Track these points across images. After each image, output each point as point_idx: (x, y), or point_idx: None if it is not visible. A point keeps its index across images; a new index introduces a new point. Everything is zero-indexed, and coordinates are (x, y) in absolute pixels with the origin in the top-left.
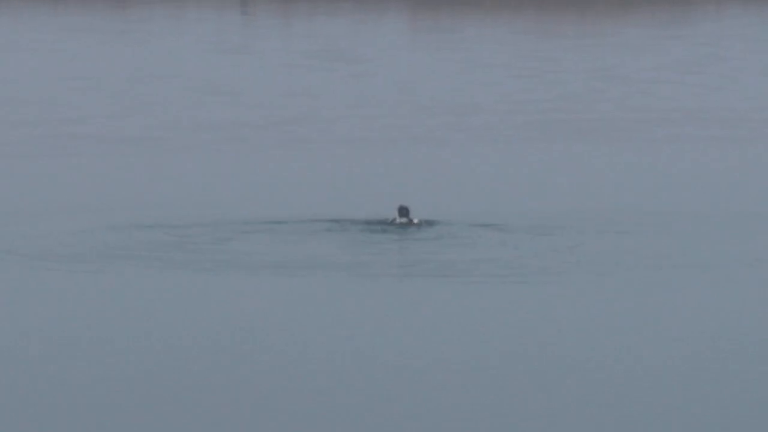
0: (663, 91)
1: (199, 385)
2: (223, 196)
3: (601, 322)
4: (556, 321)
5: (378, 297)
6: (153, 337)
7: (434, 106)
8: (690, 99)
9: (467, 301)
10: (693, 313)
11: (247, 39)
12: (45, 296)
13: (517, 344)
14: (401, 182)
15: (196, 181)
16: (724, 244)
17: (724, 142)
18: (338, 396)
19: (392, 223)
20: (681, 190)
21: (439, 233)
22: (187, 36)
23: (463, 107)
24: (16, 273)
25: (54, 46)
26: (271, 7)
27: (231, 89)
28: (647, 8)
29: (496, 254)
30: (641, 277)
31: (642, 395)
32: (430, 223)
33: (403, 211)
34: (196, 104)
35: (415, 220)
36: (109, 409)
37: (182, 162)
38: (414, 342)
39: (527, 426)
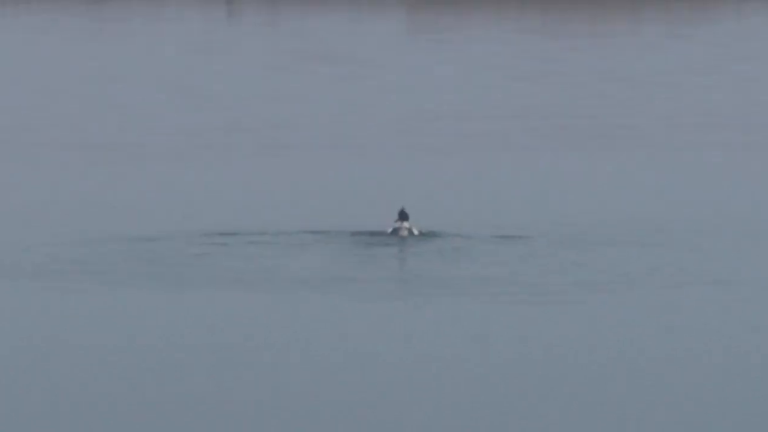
0: (678, 94)
1: (172, 410)
2: (201, 206)
3: (611, 343)
4: (564, 341)
5: (373, 317)
6: (121, 361)
7: (433, 110)
8: (707, 102)
9: (471, 321)
10: (710, 331)
11: (231, 39)
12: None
13: (524, 368)
14: (398, 191)
15: (171, 189)
16: (747, 258)
17: (743, 148)
18: (323, 424)
19: (391, 233)
20: (699, 201)
21: (441, 246)
22: (166, 36)
23: (464, 112)
24: None
25: (21, 46)
26: (259, 4)
27: (211, 92)
28: (661, 6)
29: (502, 269)
30: (663, 294)
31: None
32: (430, 235)
33: (404, 215)
34: (172, 108)
35: (416, 231)
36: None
37: (156, 170)
38: (411, 365)
39: None
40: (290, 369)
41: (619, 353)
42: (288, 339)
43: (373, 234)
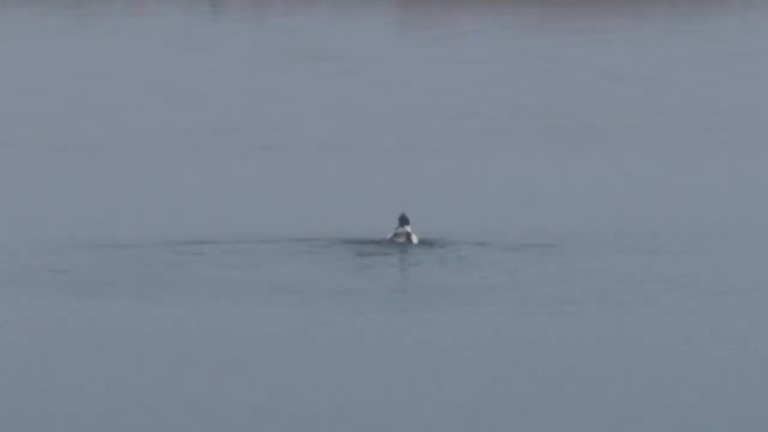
0: (682, 91)
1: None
2: (185, 212)
3: (624, 356)
4: (574, 355)
5: (370, 330)
6: (96, 377)
7: (426, 109)
8: (713, 100)
9: (475, 334)
10: (729, 342)
11: (215, 35)
12: None
13: (531, 384)
14: (394, 194)
15: (151, 193)
16: (756, 266)
17: (753, 147)
18: None
19: (389, 241)
20: (706, 204)
21: (442, 255)
22: (148, 31)
23: (459, 111)
24: None
25: None
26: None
27: (194, 90)
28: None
29: (505, 279)
30: (678, 304)
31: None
32: (431, 243)
33: (404, 220)
34: (153, 107)
35: (415, 239)
36: None
37: (135, 171)
38: (410, 382)
39: None
40: (280, 387)
41: (633, 367)
42: (277, 355)
43: (369, 242)
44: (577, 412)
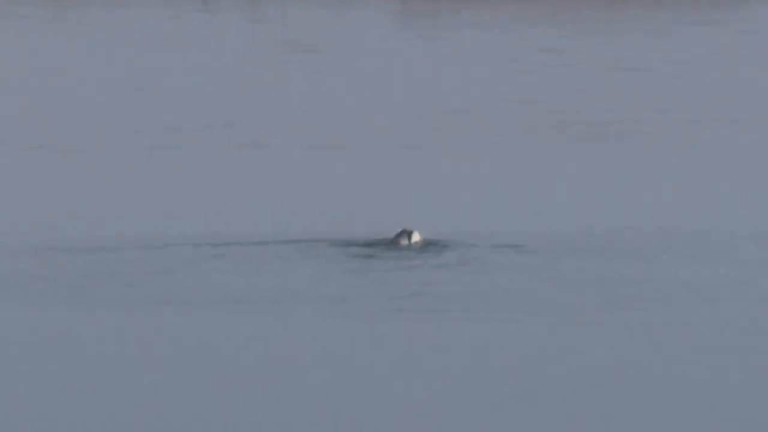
0: (699, 86)
1: None
2: (166, 213)
3: (635, 368)
4: (584, 364)
5: (368, 340)
6: (65, 394)
7: (428, 105)
8: (732, 96)
9: (480, 343)
10: (745, 354)
11: (205, 28)
12: None
13: (540, 396)
14: (394, 195)
15: (129, 193)
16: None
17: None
18: None
19: (390, 242)
20: (728, 206)
21: (445, 257)
22: (133, 24)
23: (463, 107)
24: None
25: None
26: None
27: (181, 86)
28: None
29: (513, 283)
30: (695, 313)
31: None
32: (435, 245)
33: (404, 236)
34: (137, 104)
35: (415, 240)
36: None
37: (116, 172)
38: (409, 393)
39: None
40: (269, 402)
41: (645, 379)
42: (267, 367)
43: (368, 243)
44: (581, 423)
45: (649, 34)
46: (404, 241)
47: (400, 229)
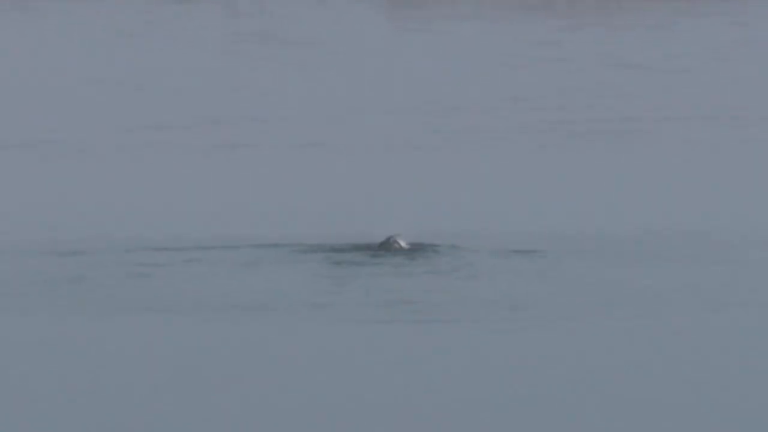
0: (701, 82)
1: None
2: (144, 215)
3: (638, 377)
4: (584, 374)
5: (354, 349)
6: (34, 408)
7: (418, 102)
8: (735, 92)
9: (473, 352)
10: (754, 361)
11: (181, 19)
12: None
13: (538, 410)
14: (382, 197)
15: (105, 195)
16: None
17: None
18: None
19: (378, 247)
20: (736, 207)
21: (435, 262)
22: (105, 16)
23: (454, 104)
24: None
25: None
26: None
27: (156, 81)
28: None
29: (508, 289)
30: (700, 319)
31: None
32: (424, 249)
33: (392, 242)
34: (109, 101)
35: (404, 244)
36: None
37: (91, 172)
38: (398, 406)
39: None
40: (254, 413)
41: (649, 385)
42: (251, 378)
43: (354, 248)
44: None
45: (650, 27)
46: (394, 245)
47: (387, 234)
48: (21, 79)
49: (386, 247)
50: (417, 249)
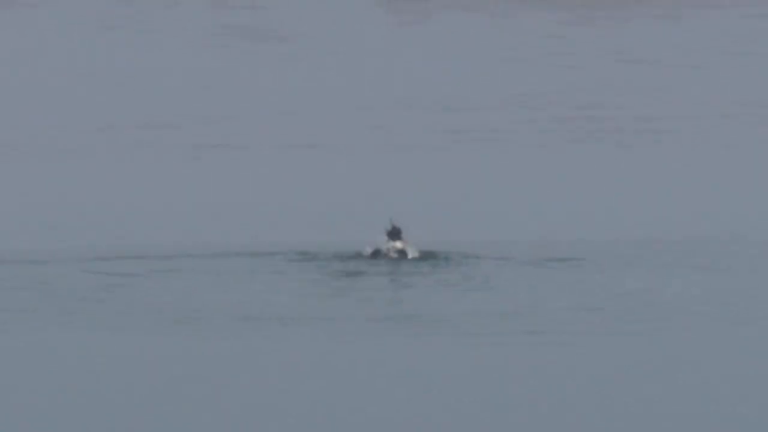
0: (713, 77)
1: None
2: (123, 220)
3: (659, 393)
4: (601, 391)
5: (354, 367)
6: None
7: (416, 100)
8: (742, 89)
9: (482, 369)
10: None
11: (160, 12)
12: None
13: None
14: (379, 201)
15: (76, 200)
16: None
17: None
18: None
19: (374, 255)
20: (745, 213)
21: (443, 271)
22: (84, 7)
23: (452, 102)
24: None
25: None
26: None
27: (133, 77)
28: None
29: (517, 301)
30: (725, 331)
31: None
32: (429, 258)
33: (395, 232)
34: (81, 99)
35: (410, 254)
36: None
37: (64, 174)
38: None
39: None
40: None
41: (656, 399)
42: (238, 397)
43: (351, 257)
44: None
45: (658, 19)
46: (392, 254)
47: (384, 240)
48: None
49: (389, 255)
50: (423, 258)
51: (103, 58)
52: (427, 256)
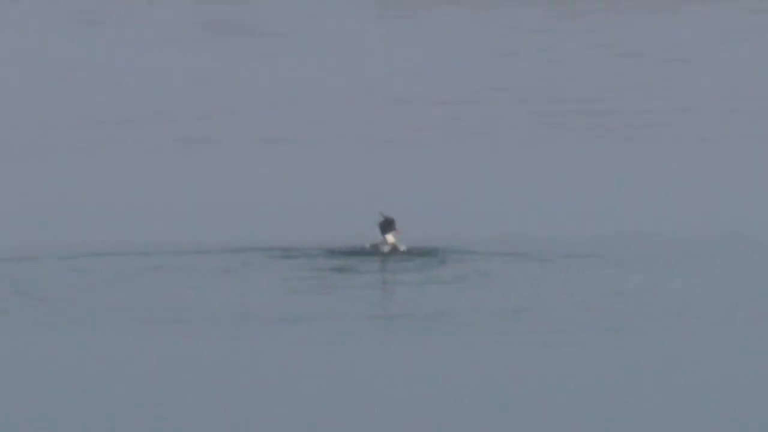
0: (707, 72)
1: None
2: (106, 217)
3: (660, 398)
4: (601, 395)
5: (343, 367)
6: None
7: (407, 95)
8: (742, 84)
9: (477, 369)
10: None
11: (138, 6)
12: None
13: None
14: (369, 196)
15: (55, 197)
16: None
17: None
18: None
19: (369, 250)
20: (742, 209)
21: (436, 267)
22: (49, 1)
23: (443, 96)
24: None
25: None
26: None
27: (112, 72)
28: None
29: (513, 299)
30: (731, 332)
31: None
32: (422, 254)
33: (388, 224)
34: (59, 94)
35: (402, 248)
36: None
37: (38, 171)
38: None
39: None
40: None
41: (655, 399)
42: (222, 401)
43: (341, 252)
44: None
45: (651, 13)
46: (386, 249)
47: (377, 235)
48: None
49: (381, 249)
50: (415, 253)
51: (86, 54)
52: (421, 252)
